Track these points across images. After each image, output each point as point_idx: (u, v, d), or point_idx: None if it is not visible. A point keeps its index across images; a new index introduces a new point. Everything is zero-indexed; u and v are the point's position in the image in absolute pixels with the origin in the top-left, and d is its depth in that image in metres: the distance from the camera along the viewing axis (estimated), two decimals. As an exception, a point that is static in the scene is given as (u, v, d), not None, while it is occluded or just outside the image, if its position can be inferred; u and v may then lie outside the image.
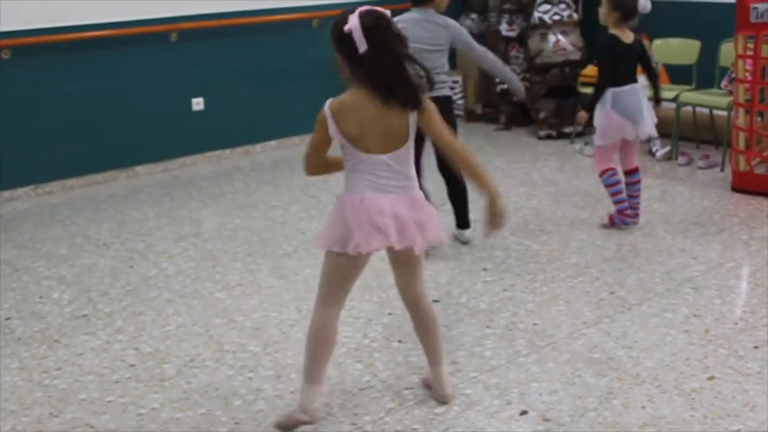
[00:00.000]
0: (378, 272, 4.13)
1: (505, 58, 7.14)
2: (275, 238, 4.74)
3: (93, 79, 5.95)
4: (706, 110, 6.23)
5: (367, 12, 2.54)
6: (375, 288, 3.97)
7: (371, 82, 2.57)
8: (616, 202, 4.64)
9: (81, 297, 4.05)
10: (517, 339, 3.44)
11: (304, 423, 2.78)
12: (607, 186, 4.63)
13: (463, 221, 4.53)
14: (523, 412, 2.90)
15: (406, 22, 4.05)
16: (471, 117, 7.58)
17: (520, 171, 5.96)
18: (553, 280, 4.05)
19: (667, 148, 6.12)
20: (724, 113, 5.95)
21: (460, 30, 4.25)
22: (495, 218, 2.71)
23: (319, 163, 2.74)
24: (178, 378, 3.23)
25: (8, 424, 2.95)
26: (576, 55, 6.80)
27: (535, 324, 3.57)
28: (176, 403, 3.05)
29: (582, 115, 4.54)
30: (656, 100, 4.63)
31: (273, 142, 6.81)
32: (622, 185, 4.62)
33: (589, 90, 6.28)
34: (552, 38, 6.80)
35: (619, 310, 3.68)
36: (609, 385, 3.06)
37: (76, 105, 5.91)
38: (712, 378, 3.09)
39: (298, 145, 6.55)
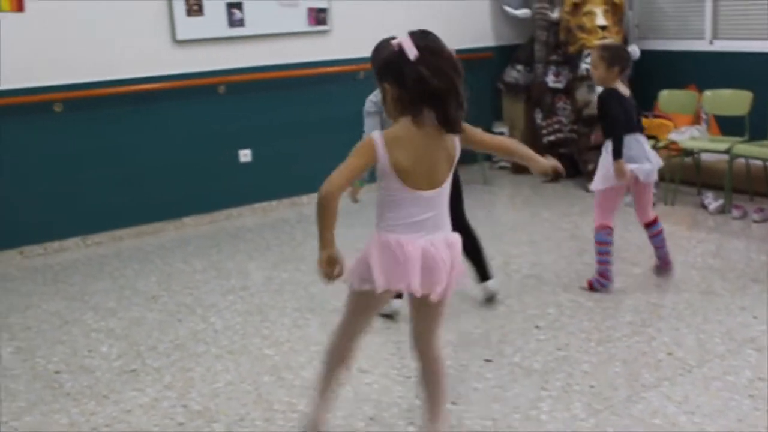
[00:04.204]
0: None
1: (552, 110, 7.11)
2: (323, 293, 4.68)
3: (142, 131, 6.03)
4: (759, 162, 6.11)
5: (419, 30, 2.53)
6: (425, 346, 3.89)
7: (421, 102, 2.48)
8: (598, 262, 4.50)
9: (130, 351, 4.03)
10: (573, 402, 3.34)
11: None
12: (597, 243, 4.50)
13: (483, 274, 4.37)
14: (584, 481, 2.80)
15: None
16: (518, 169, 7.51)
17: (570, 224, 5.87)
18: (608, 339, 3.94)
19: (720, 201, 5.99)
20: (779, 166, 5.86)
21: None
22: (545, 172, 2.94)
23: (343, 189, 2.62)
24: (227, 438, 3.18)
25: (57, 484, 2.92)
26: (624, 107, 6.73)
27: (591, 386, 3.46)
28: (226, 464, 2.99)
29: (620, 169, 4.36)
30: None
31: (319, 194, 6.80)
32: (611, 248, 4.49)
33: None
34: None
35: (679, 372, 3.55)
36: (672, 453, 2.95)
37: (126, 157, 5.98)
38: (781, 447, 2.96)
39: (345, 198, 6.52)
